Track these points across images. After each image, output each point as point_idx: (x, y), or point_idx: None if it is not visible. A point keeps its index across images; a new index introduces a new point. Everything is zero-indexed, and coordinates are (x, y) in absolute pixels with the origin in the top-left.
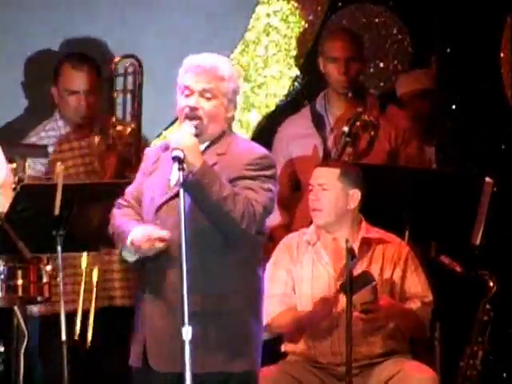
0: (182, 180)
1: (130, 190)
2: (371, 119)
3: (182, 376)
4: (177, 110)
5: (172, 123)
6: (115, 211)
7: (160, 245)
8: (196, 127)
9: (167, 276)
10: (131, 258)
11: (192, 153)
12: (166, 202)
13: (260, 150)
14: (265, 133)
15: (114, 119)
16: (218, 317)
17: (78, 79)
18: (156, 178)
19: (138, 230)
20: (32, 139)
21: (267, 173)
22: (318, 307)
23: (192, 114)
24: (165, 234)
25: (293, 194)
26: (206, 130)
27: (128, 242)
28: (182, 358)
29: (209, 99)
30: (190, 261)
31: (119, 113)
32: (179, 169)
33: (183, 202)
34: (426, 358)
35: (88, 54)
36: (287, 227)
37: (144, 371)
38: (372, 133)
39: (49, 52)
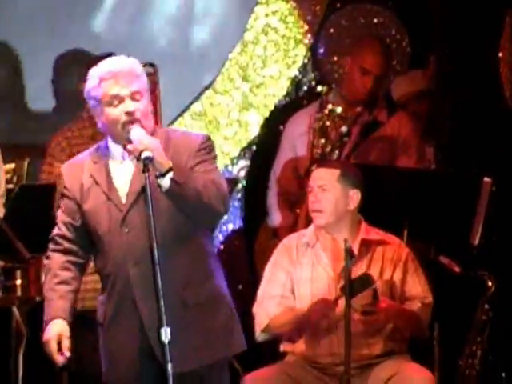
0: (149, 182)
1: (65, 224)
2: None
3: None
4: (107, 123)
5: None
6: (50, 256)
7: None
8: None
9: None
10: None
11: (159, 154)
12: (131, 207)
13: (201, 134)
14: (265, 132)
15: None
16: (198, 308)
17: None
18: (98, 191)
19: (52, 331)
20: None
21: (214, 154)
22: (316, 307)
23: (131, 119)
24: (60, 361)
25: (299, 190)
26: (145, 130)
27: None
28: (164, 358)
29: (139, 100)
30: (174, 257)
31: None
32: (145, 171)
33: (151, 203)
34: (425, 358)
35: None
36: (294, 225)
37: None
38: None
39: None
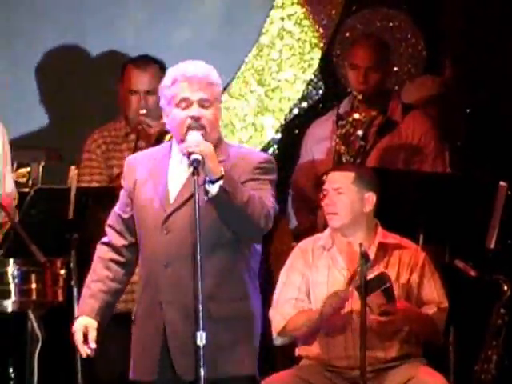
0: (198, 185)
1: (116, 215)
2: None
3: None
4: (172, 124)
5: None
6: (98, 247)
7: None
8: (202, 136)
9: (188, 284)
10: None
11: (212, 160)
12: (176, 209)
13: (263, 155)
14: (281, 136)
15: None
16: (231, 321)
17: (139, 79)
18: (150, 187)
19: (79, 323)
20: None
21: (271, 177)
22: (330, 301)
23: (196, 124)
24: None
25: (317, 195)
26: (209, 139)
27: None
28: (198, 363)
29: (207, 108)
30: (204, 266)
31: None
32: (193, 173)
33: (197, 207)
34: (440, 363)
35: (152, 56)
36: (312, 229)
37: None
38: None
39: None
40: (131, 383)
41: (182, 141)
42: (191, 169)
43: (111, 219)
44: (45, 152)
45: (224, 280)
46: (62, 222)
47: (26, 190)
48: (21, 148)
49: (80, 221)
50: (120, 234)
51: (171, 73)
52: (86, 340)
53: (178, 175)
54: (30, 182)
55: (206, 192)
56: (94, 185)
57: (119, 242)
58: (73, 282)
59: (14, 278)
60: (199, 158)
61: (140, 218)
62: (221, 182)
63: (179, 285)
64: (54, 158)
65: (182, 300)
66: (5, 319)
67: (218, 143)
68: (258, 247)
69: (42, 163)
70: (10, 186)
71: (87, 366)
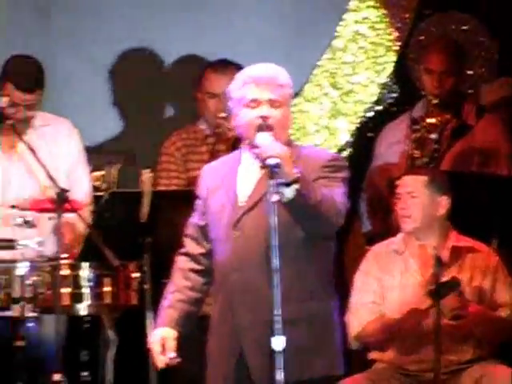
0: (276, 189)
1: (193, 224)
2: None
3: None
4: (241, 124)
5: None
6: (176, 259)
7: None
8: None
9: (259, 287)
10: None
11: (288, 163)
12: (246, 212)
13: (331, 153)
14: (354, 140)
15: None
16: (311, 322)
17: (218, 82)
18: (222, 193)
19: (156, 334)
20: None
21: (342, 175)
22: (409, 317)
23: (265, 124)
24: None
25: (391, 199)
26: (278, 140)
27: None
28: (277, 368)
29: (277, 108)
30: (280, 269)
31: None
32: (272, 177)
33: (275, 210)
34: None
35: (231, 60)
36: (386, 233)
37: None
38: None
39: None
40: None
41: (251, 142)
42: (265, 171)
43: (188, 229)
44: (119, 156)
45: (296, 281)
46: (135, 226)
47: (101, 193)
48: (96, 152)
49: (153, 224)
50: (197, 242)
51: (240, 75)
52: (163, 351)
53: (247, 178)
54: (105, 186)
55: (278, 194)
56: (172, 188)
57: (197, 250)
58: (146, 286)
59: (88, 281)
60: (278, 161)
61: (213, 224)
62: (297, 186)
63: (250, 288)
64: (129, 161)
65: (254, 303)
66: (79, 323)
67: (287, 144)
68: (332, 245)
69: (118, 166)
70: (85, 190)
71: (161, 371)
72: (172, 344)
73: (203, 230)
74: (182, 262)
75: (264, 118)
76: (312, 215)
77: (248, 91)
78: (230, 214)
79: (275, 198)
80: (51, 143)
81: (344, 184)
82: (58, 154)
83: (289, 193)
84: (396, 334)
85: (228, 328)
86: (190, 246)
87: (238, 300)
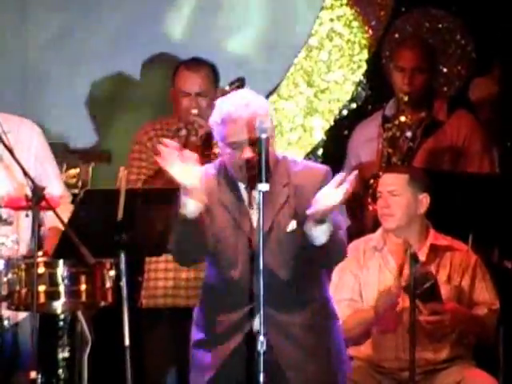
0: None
1: None
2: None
3: None
4: (228, 162)
5: None
6: None
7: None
8: None
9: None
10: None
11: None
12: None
13: (322, 167)
14: (329, 138)
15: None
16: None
17: (191, 81)
18: (224, 208)
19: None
20: None
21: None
22: (382, 298)
23: (249, 165)
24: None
25: (363, 198)
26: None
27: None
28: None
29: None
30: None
31: None
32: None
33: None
34: (490, 363)
35: (204, 59)
36: (359, 232)
37: None
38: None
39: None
40: None
41: (239, 176)
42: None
43: None
44: (94, 154)
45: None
46: (111, 224)
47: (76, 191)
48: (70, 150)
49: (129, 222)
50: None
51: (219, 109)
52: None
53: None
54: (80, 184)
55: (309, 237)
56: (142, 178)
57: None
58: (122, 283)
59: (63, 279)
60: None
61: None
62: (328, 235)
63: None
64: (104, 159)
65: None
66: (55, 321)
67: (275, 165)
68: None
69: (92, 165)
70: (58, 189)
71: (137, 368)
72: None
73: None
74: None
75: (248, 161)
76: (327, 253)
77: (228, 132)
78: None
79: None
80: (14, 145)
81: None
82: (21, 155)
83: (320, 236)
84: (372, 323)
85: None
86: None
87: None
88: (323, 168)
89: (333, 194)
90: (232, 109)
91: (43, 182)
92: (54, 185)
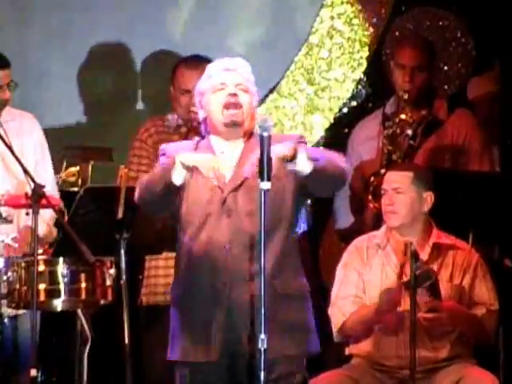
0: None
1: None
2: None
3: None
4: (210, 109)
5: None
6: None
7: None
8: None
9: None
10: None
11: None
12: (234, 190)
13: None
14: (329, 136)
15: None
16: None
17: (190, 78)
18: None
19: (191, 154)
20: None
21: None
22: (384, 296)
23: (234, 101)
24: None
25: (365, 195)
26: (245, 126)
27: (177, 160)
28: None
29: (244, 92)
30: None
31: None
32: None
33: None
34: (490, 363)
35: (203, 56)
36: (359, 230)
37: None
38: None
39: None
40: (182, 364)
41: (221, 123)
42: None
43: None
44: (95, 151)
45: (283, 260)
46: (111, 222)
47: (76, 189)
48: (71, 147)
49: (129, 220)
50: None
51: (207, 69)
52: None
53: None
54: (80, 182)
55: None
56: (142, 175)
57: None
58: (122, 282)
59: (63, 277)
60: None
61: (191, 201)
62: (308, 160)
63: (240, 266)
64: (105, 157)
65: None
66: (55, 319)
67: (251, 135)
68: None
69: (92, 162)
70: (50, 183)
71: (137, 366)
72: None
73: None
74: None
75: (232, 94)
76: (324, 178)
77: (216, 77)
78: (218, 190)
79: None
80: (16, 138)
81: None
82: (22, 148)
83: (303, 166)
84: (375, 320)
85: (217, 304)
86: None
87: (228, 278)
88: (295, 134)
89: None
90: (221, 61)
91: (41, 169)
92: (48, 180)
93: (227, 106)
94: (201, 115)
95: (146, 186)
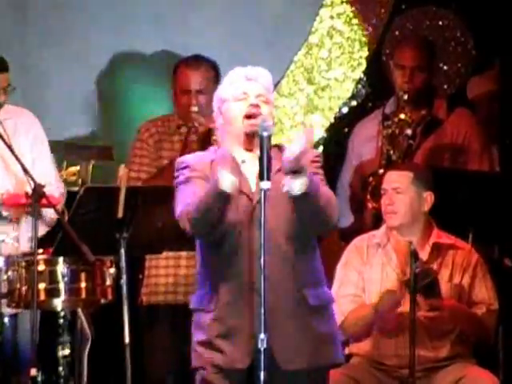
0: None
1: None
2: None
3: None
4: (229, 116)
5: None
6: None
7: None
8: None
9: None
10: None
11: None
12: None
13: (313, 150)
14: (329, 135)
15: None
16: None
17: (191, 78)
18: None
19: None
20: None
21: (323, 172)
22: (385, 297)
23: (255, 112)
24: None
25: (365, 195)
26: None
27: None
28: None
29: (264, 103)
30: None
31: None
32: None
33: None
34: (490, 362)
35: (204, 56)
36: (358, 230)
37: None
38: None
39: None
40: (217, 370)
41: (241, 132)
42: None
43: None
44: (95, 151)
45: (312, 270)
46: (111, 221)
47: (76, 188)
48: (71, 146)
49: (130, 220)
50: None
51: (229, 76)
52: None
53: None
54: (80, 182)
55: (288, 187)
56: (142, 175)
57: None
58: (122, 281)
59: (63, 276)
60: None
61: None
62: (306, 181)
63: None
64: (105, 156)
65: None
66: (55, 318)
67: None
68: None
69: (92, 162)
70: (51, 180)
71: (137, 366)
72: None
73: None
74: None
75: (254, 105)
76: (315, 211)
77: (238, 86)
78: (243, 203)
79: (285, 188)
80: (13, 137)
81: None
82: (19, 147)
83: (297, 187)
84: (373, 320)
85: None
86: None
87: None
88: (313, 150)
89: (298, 138)
90: (245, 69)
91: (41, 164)
92: (49, 177)
93: (248, 116)
94: (219, 122)
95: (197, 208)
